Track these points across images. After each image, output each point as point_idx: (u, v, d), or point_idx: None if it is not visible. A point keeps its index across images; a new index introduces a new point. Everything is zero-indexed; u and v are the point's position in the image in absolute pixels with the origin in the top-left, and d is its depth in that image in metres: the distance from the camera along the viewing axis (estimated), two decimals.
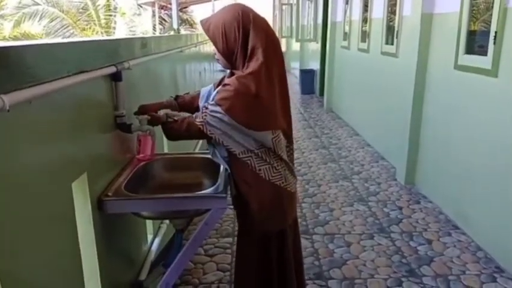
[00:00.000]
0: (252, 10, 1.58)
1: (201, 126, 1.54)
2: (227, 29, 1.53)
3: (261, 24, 1.56)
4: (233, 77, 1.53)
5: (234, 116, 1.48)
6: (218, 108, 1.49)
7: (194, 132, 1.57)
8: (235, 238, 2.98)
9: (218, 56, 1.62)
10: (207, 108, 1.53)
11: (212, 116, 1.51)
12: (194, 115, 1.60)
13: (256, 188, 1.63)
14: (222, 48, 1.56)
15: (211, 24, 1.57)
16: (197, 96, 1.84)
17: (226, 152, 1.62)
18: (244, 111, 1.50)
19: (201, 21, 1.63)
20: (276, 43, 1.59)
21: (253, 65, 1.51)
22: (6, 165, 0.91)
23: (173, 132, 1.65)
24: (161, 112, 1.79)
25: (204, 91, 1.81)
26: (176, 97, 1.90)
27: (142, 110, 1.81)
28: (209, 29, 1.57)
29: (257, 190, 1.64)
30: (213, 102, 1.52)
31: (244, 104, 1.50)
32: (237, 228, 2.94)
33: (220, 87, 1.57)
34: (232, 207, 1.79)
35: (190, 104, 1.86)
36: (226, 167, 1.66)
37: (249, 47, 1.52)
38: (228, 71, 1.68)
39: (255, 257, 1.72)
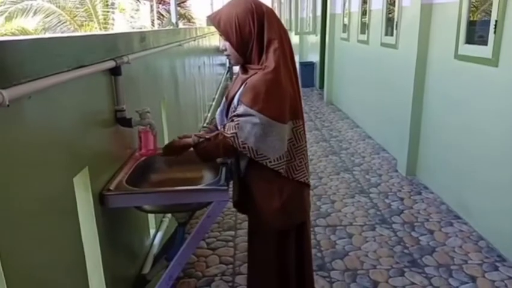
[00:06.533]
0: (262, 2, 1.55)
1: (230, 140, 1.48)
2: (241, 21, 1.48)
3: (273, 15, 1.54)
4: (258, 75, 1.47)
5: (269, 114, 1.44)
6: (251, 111, 1.44)
7: (231, 149, 1.50)
8: (237, 231, 3.00)
9: (230, 50, 1.55)
10: (238, 116, 1.47)
11: (245, 122, 1.45)
12: (225, 127, 1.52)
13: (278, 184, 1.58)
14: (235, 42, 1.51)
15: (222, 17, 1.51)
16: None
17: (246, 162, 1.59)
18: (277, 106, 1.47)
19: (209, 16, 1.57)
20: (287, 33, 1.57)
21: (273, 58, 1.47)
22: (7, 160, 0.91)
23: (209, 153, 1.57)
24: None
25: (218, 112, 1.71)
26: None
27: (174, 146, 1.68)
28: (220, 23, 1.51)
29: (279, 186, 1.59)
30: (242, 106, 1.46)
31: (276, 100, 1.47)
32: (239, 221, 2.92)
33: (243, 88, 1.51)
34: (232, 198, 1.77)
35: None
36: (241, 174, 1.64)
37: (265, 39, 1.49)
38: (239, 66, 1.63)
39: (273, 253, 1.68)
